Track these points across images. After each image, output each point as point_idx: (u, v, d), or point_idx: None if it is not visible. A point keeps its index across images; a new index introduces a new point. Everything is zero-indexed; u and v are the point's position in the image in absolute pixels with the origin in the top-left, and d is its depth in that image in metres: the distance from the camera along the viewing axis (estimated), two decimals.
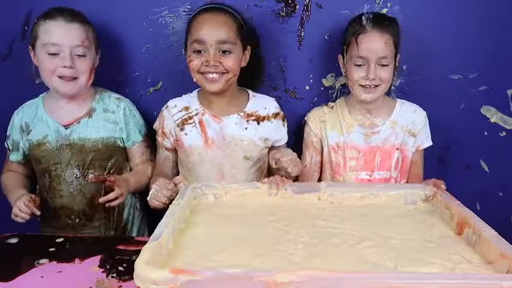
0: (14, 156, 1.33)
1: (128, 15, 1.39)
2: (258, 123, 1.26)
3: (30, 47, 1.25)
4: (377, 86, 1.22)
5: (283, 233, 0.90)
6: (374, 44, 1.19)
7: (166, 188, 1.09)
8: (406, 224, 0.96)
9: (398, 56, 1.24)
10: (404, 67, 1.40)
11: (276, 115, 1.28)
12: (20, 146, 1.32)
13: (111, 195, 1.17)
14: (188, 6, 1.38)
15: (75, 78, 1.23)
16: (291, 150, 1.15)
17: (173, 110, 1.27)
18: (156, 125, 1.31)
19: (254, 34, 1.29)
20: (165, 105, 1.29)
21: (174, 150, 1.31)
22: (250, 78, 1.31)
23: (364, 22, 1.20)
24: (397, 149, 1.29)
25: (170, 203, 0.96)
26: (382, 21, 1.21)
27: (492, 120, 1.44)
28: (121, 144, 1.33)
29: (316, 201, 1.06)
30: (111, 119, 1.31)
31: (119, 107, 1.32)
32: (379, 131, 1.28)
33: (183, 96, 1.30)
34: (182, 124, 1.25)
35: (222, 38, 1.15)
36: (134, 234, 1.38)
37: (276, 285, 0.64)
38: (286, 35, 1.40)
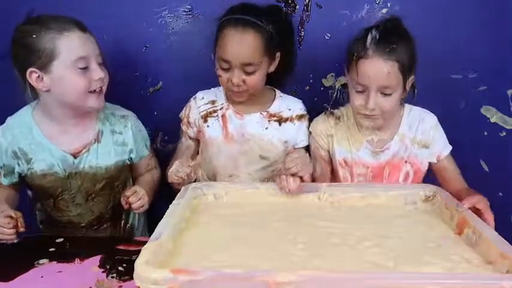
0: (7, 180, 1.20)
1: (128, 15, 1.39)
2: (280, 124, 1.25)
3: (32, 69, 1.07)
4: (378, 115, 1.11)
5: (283, 233, 0.90)
6: (375, 72, 1.05)
7: (187, 164, 1.07)
8: (406, 224, 0.96)
9: (411, 78, 1.11)
10: None
11: (300, 117, 1.27)
12: (15, 171, 1.19)
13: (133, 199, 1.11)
14: (188, 6, 1.38)
15: (102, 90, 1.15)
16: (304, 151, 1.13)
17: (200, 101, 1.28)
18: (182, 114, 1.31)
19: (287, 39, 1.24)
20: (194, 96, 1.29)
21: (197, 140, 1.31)
22: (278, 80, 1.29)
23: (368, 44, 1.06)
24: (406, 161, 1.21)
25: (187, 182, 1.05)
26: (387, 44, 1.05)
27: (492, 120, 1.44)
28: (129, 162, 1.28)
29: (316, 201, 1.06)
30: (120, 141, 1.24)
31: (126, 127, 1.25)
32: (388, 147, 1.20)
33: (212, 89, 1.30)
34: (206, 116, 1.26)
35: (247, 60, 1.13)
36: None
37: (276, 285, 0.64)
38: None
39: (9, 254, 1.01)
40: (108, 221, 1.27)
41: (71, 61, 1.07)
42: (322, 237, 0.88)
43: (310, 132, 1.28)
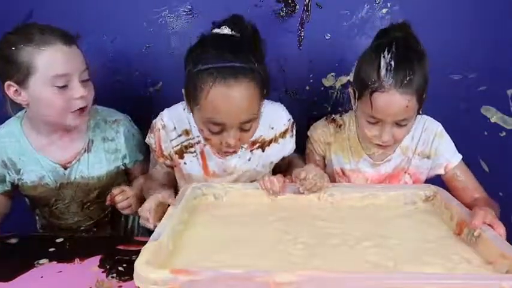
0: None
1: (128, 15, 1.39)
2: (263, 150, 1.14)
3: (10, 82, 1.02)
4: (391, 144, 1.07)
5: (283, 233, 0.90)
6: (392, 108, 0.97)
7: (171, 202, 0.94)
8: (406, 224, 0.96)
9: (424, 96, 1.02)
10: None
11: (284, 133, 1.15)
12: (7, 180, 1.16)
13: (119, 197, 1.08)
14: (188, 6, 1.38)
15: (85, 108, 1.08)
16: (313, 166, 1.06)
17: (172, 133, 1.11)
18: (150, 142, 1.15)
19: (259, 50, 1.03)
20: (161, 123, 1.10)
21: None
22: None
23: (383, 75, 0.96)
24: (406, 172, 1.18)
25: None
26: (404, 74, 0.95)
27: (492, 120, 1.44)
28: (123, 168, 1.24)
29: (316, 202, 1.06)
30: (112, 148, 1.19)
31: (118, 133, 1.20)
32: (390, 159, 1.16)
33: (180, 108, 1.10)
34: (182, 152, 1.12)
35: (247, 118, 0.95)
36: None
37: (276, 285, 0.64)
38: (286, 35, 1.40)
39: (9, 254, 1.01)
40: (108, 224, 1.27)
41: (48, 78, 1.00)
42: (322, 238, 0.88)
43: (308, 137, 1.24)
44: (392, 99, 0.96)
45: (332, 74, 1.43)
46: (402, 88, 0.96)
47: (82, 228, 1.24)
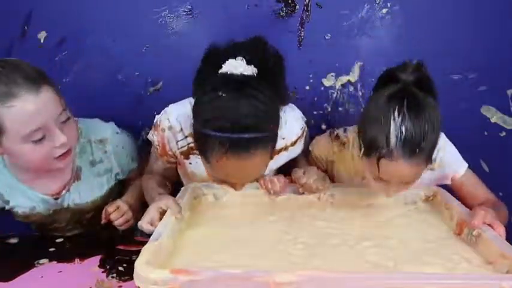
0: None
1: (128, 15, 1.39)
2: (272, 158, 1.02)
3: None
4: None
5: (283, 233, 0.90)
6: (400, 174, 0.91)
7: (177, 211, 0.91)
8: (406, 224, 0.96)
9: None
10: None
11: (294, 143, 1.10)
12: None
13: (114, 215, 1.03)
14: (188, 6, 1.38)
15: (69, 151, 0.98)
16: (316, 169, 1.04)
17: (178, 135, 1.05)
18: (152, 139, 1.10)
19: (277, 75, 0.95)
20: (168, 124, 1.05)
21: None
22: None
23: (392, 145, 0.87)
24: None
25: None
26: (416, 145, 0.87)
27: (492, 120, 1.44)
28: (118, 181, 1.18)
29: (316, 202, 1.06)
30: (102, 170, 1.12)
31: (106, 152, 1.12)
32: None
33: (188, 105, 1.01)
34: (187, 154, 1.08)
35: (255, 177, 0.94)
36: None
37: (276, 285, 0.64)
38: (286, 35, 1.39)
39: (9, 254, 1.01)
40: (107, 228, 1.27)
41: (21, 136, 0.89)
42: (322, 238, 0.88)
43: (310, 151, 1.19)
44: (401, 168, 0.89)
45: (332, 74, 1.42)
46: (412, 159, 0.88)
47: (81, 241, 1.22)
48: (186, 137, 1.06)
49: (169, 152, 1.09)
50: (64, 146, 0.94)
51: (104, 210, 1.05)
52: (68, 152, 0.96)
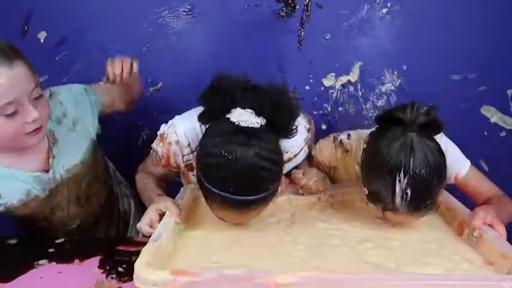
0: None
1: (128, 15, 1.39)
2: None
3: None
4: None
5: (284, 234, 0.90)
6: (405, 220, 0.92)
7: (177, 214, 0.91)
8: (407, 224, 0.96)
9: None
10: (404, 67, 1.40)
11: (297, 154, 1.09)
12: None
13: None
14: (188, 6, 1.38)
15: (41, 127, 0.97)
16: (316, 170, 1.05)
17: (185, 149, 1.04)
18: (157, 150, 1.07)
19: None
20: (175, 138, 1.03)
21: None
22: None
23: (397, 203, 0.85)
24: None
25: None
26: (421, 203, 0.87)
27: (492, 120, 1.44)
28: (97, 130, 1.14)
29: (316, 202, 1.06)
30: (71, 123, 1.09)
31: (61, 104, 1.09)
32: None
33: (195, 119, 0.96)
34: (192, 167, 1.04)
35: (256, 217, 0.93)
36: (133, 234, 1.33)
37: (276, 286, 0.64)
38: (286, 35, 1.39)
39: (9, 255, 1.01)
40: (107, 217, 1.26)
41: None
42: (322, 238, 0.88)
43: (312, 155, 1.17)
44: (405, 219, 0.91)
45: (332, 74, 1.43)
46: (418, 213, 0.89)
47: (82, 229, 1.21)
48: (192, 151, 1.03)
49: (174, 164, 1.07)
50: (36, 122, 0.94)
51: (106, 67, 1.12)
52: (40, 128, 0.96)
